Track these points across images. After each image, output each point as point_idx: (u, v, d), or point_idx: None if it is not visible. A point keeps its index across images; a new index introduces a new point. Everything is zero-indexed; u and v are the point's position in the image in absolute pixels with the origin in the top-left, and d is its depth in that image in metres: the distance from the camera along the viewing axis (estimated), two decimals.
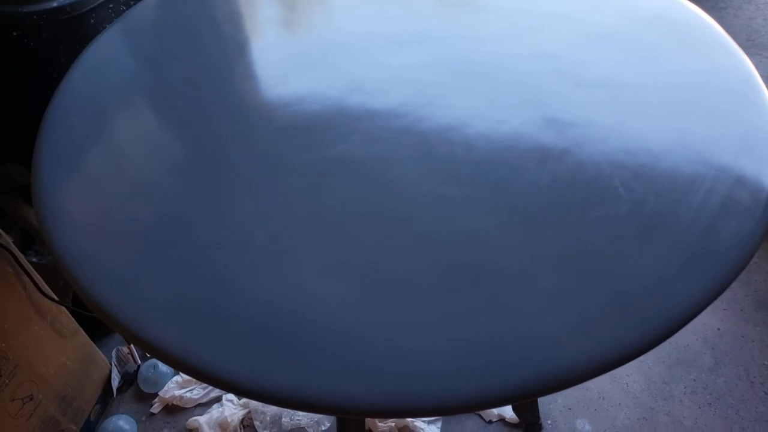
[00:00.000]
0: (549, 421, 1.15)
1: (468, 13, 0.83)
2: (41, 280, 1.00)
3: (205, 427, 1.16)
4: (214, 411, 1.19)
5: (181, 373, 1.19)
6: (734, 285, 1.35)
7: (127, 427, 1.18)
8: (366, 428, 1.14)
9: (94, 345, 1.19)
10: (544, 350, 0.45)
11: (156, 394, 1.23)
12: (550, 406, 1.17)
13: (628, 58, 0.72)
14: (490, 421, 1.15)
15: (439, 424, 1.15)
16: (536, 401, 1.08)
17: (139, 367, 1.27)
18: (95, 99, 0.73)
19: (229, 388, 0.46)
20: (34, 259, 1.15)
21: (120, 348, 1.28)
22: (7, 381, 0.94)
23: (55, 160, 0.64)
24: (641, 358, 0.46)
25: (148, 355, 1.25)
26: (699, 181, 0.55)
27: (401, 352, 0.46)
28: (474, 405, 0.44)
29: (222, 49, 0.80)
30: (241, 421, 1.18)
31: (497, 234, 0.53)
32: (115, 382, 1.23)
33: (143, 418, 1.21)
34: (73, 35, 0.95)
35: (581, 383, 0.45)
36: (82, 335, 1.14)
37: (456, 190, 0.57)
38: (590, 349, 0.45)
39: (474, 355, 0.45)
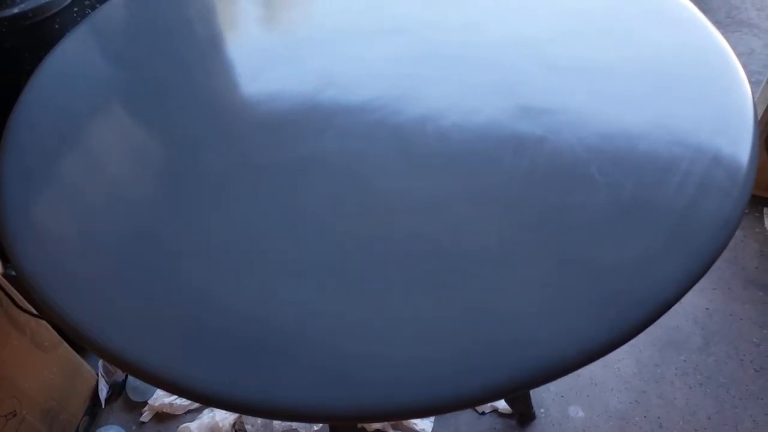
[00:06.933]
0: (542, 410, 1.14)
1: (442, 0, 0.82)
2: (17, 294, 0.98)
3: None
4: (205, 416, 1.18)
5: None
6: (722, 264, 1.35)
7: None
8: (359, 426, 1.13)
9: (78, 357, 1.16)
10: (530, 342, 0.44)
11: (146, 403, 1.22)
12: (543, 394, 1.17)
13: (602, 39, 0.71)
14: (483, 413, 1.15)
15: (433, 417, 1.14)
16: (528, 391, 1.08)
17: (127, 376, 1.25)
18: (59, 104, 0.70)
19: (204, 400, 0.44)
20: (13, 273, 1.12)
21: None
22: None
23: (17, 169, 0.62)
24: (632, 342, 0.46)
25: None
26: (676, 163, 0.54)
27: (380, 353, 0.45)
28: (460, 404, 0.43)
29: (190, 48, 0.78)
30: (233, 425, 1.16)
31: (475, 225, 0.52)
32: (103, 393, 1.21)
33: (134, 428, 1.19)
34: (37, 41, 0.93)
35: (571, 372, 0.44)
36: (65, 348, 1.12)
37: (432, 183, 0.56)
38: (577, 338, 0.44)
39: (458, 351, 0.44)
